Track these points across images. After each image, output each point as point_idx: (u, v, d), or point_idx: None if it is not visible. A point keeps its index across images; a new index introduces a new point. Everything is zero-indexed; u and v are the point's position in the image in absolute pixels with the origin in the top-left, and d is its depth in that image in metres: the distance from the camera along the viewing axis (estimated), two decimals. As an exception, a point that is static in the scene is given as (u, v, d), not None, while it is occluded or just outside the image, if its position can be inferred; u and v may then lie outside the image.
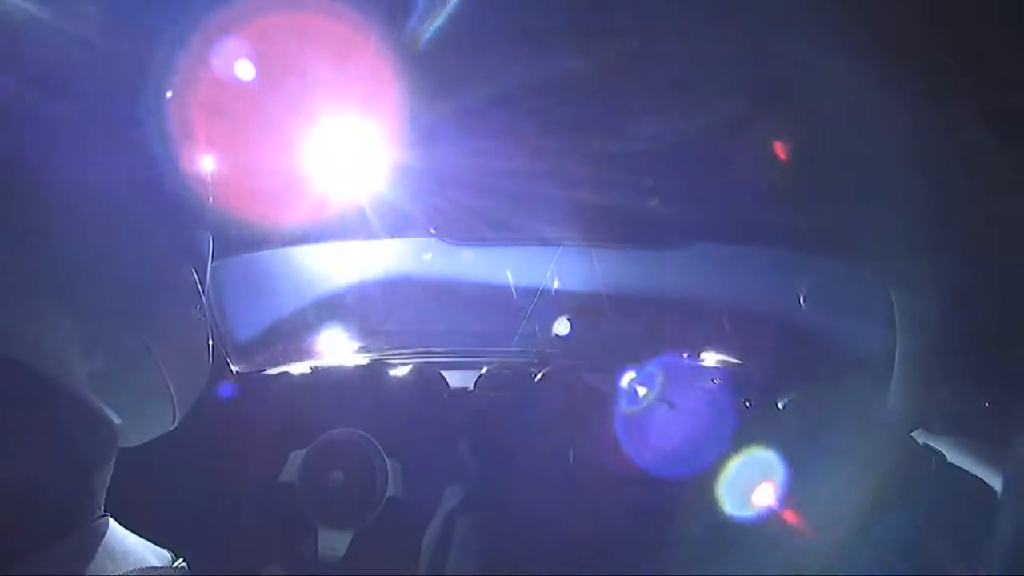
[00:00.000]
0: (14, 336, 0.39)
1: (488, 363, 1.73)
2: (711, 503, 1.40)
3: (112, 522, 0.47)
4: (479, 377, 1.70)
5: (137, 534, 0.48)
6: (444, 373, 1.70)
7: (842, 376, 1.58)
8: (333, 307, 2.29)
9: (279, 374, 1.78)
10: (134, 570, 0.43)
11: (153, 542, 0.49)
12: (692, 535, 1.41)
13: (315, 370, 1.39)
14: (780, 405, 1.63)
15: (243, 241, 1.42)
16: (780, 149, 1.04)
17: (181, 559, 0.50)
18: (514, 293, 2.32)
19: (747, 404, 1.58)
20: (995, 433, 1.20)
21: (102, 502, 0.48)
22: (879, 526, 1.15)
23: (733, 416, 1.59)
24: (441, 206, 1.30)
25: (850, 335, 1.59)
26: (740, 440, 1.47)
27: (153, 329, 0.46)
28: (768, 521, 1.36)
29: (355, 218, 1.31)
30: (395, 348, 2.13)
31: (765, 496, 1.38)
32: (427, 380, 1.65)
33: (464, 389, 1.70)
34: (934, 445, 1.27)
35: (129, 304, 0.44)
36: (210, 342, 0.54)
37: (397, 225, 1.40)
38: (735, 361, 1.85)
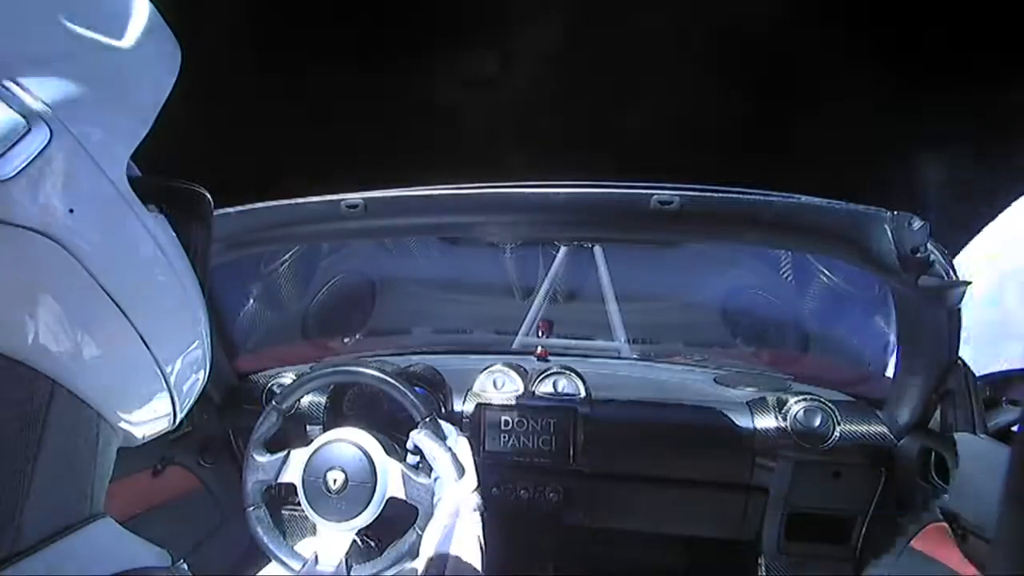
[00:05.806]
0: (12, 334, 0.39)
1: (489, 362, 1.73)
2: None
3: (112, 522, 0.47)
4: (480, 374, 1.70)
5: (137, 534, 0.48)
6: (444, 372, 1.70)
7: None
8: (334, 306, 2.28)
9: (279, 373, 1.78)
10: (134, 570, 0.43)
11: (153, 542, 0.48)
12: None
13: (315, 370, 1.39)
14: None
15: (245, 239, 1.41)
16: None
17: (181, 559, 0.49)
18: (516, 291, 2.31)
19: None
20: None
21: (102, 502, 0.48)
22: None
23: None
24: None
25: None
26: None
27: (153, 328, 0.46)
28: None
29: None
30: (395, 346, 2.13)
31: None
32: (427, 379, 1.65)
33: (465, 387, 1.70)
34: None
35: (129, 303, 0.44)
36: (210, 342, 0.54)
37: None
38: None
